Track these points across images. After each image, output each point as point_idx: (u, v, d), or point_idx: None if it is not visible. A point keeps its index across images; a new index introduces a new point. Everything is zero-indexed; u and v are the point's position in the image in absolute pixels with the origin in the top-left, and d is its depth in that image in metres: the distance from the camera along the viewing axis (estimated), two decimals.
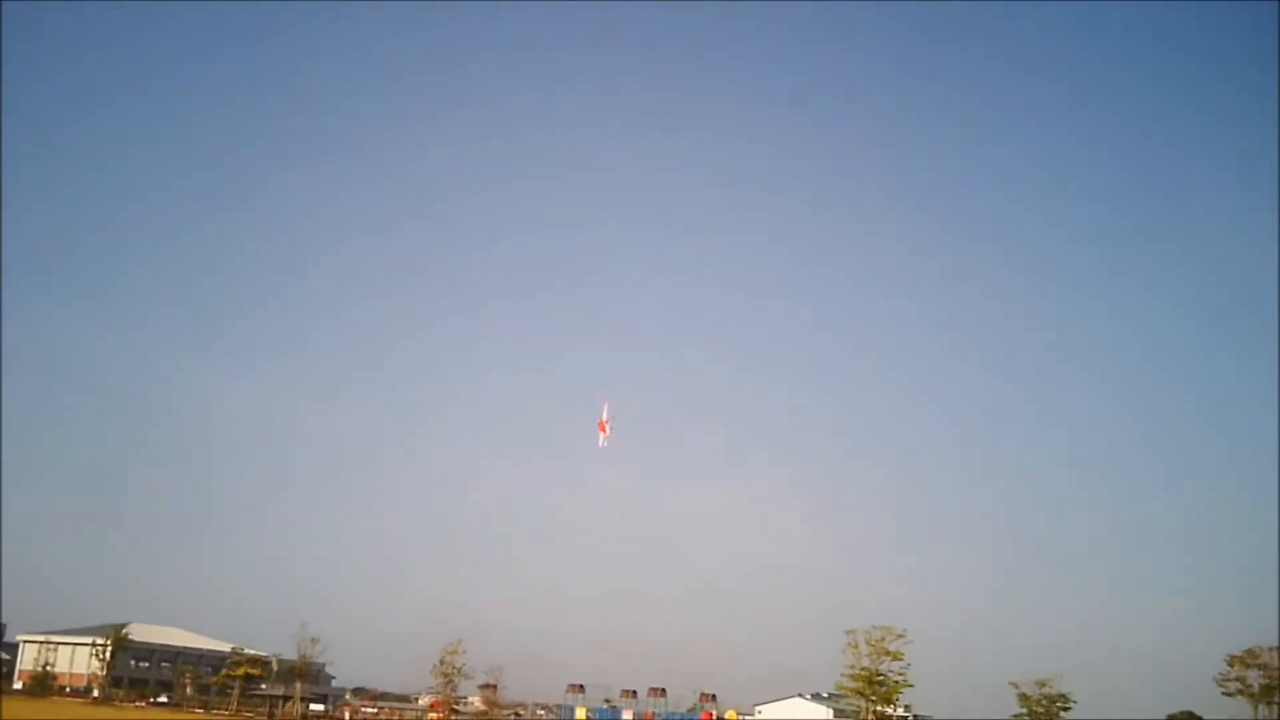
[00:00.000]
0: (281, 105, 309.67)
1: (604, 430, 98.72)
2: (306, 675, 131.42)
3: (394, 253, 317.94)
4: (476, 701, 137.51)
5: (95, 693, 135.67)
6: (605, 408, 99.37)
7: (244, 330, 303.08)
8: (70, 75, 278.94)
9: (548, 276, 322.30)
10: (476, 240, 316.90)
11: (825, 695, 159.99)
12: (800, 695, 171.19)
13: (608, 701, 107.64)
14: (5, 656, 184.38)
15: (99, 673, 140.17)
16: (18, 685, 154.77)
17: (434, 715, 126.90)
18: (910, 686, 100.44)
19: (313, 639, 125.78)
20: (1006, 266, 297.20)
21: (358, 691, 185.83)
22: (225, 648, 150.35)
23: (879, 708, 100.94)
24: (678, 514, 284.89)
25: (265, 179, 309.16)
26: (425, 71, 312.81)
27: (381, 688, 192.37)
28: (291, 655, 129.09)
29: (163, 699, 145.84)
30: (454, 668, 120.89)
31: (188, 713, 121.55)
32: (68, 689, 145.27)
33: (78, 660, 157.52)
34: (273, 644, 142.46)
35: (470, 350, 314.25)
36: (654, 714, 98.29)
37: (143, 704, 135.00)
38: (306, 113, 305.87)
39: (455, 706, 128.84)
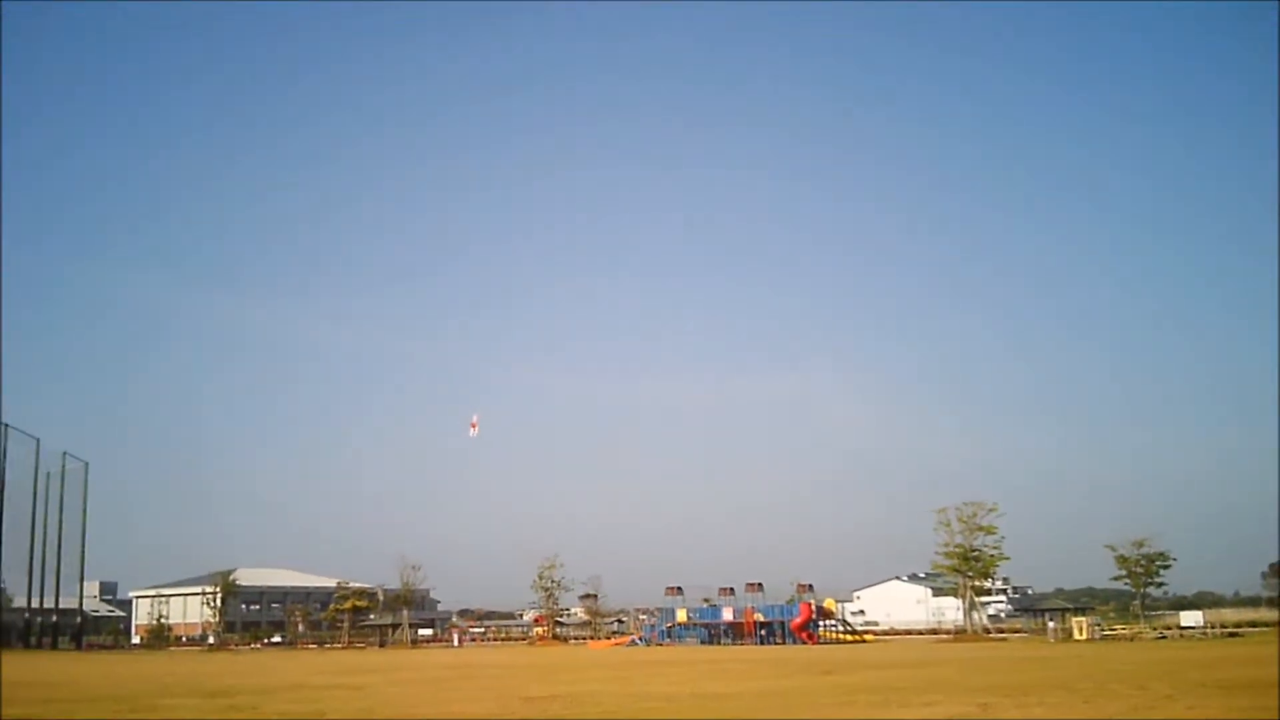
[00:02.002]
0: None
1: (474, 427, 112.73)
2: (412, 602, 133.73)
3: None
4: (579, 612, 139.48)
5: (210, 639, 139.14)
6: (476, 417, 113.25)
7: (335, 276, 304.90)
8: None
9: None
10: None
11: (922, 575, 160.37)
12: (897, 578, 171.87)
13: (706, 600, 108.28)
14: (120, 613, 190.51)
15: (212, 620, 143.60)
16: (135, 640, 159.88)
17: (538, 629, 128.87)
18: (1006, 559, 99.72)
19: (414, 566, 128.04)
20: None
21: (463, 613, 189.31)
22: (331, 583, 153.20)
23: (976, 583, 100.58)
24: (750, 409, 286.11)
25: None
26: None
27: (486, 607, 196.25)
28: (395, 584, 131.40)
29: (276, 639, 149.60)
30: (553, 581, 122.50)
31: (302, 649, 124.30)
32: (183, 639, 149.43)
33: (190, 610, 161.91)
34: (376, 575, 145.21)
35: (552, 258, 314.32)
36: (753, 608, 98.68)
37: (258, 645, 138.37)
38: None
39: (558, 619, 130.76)
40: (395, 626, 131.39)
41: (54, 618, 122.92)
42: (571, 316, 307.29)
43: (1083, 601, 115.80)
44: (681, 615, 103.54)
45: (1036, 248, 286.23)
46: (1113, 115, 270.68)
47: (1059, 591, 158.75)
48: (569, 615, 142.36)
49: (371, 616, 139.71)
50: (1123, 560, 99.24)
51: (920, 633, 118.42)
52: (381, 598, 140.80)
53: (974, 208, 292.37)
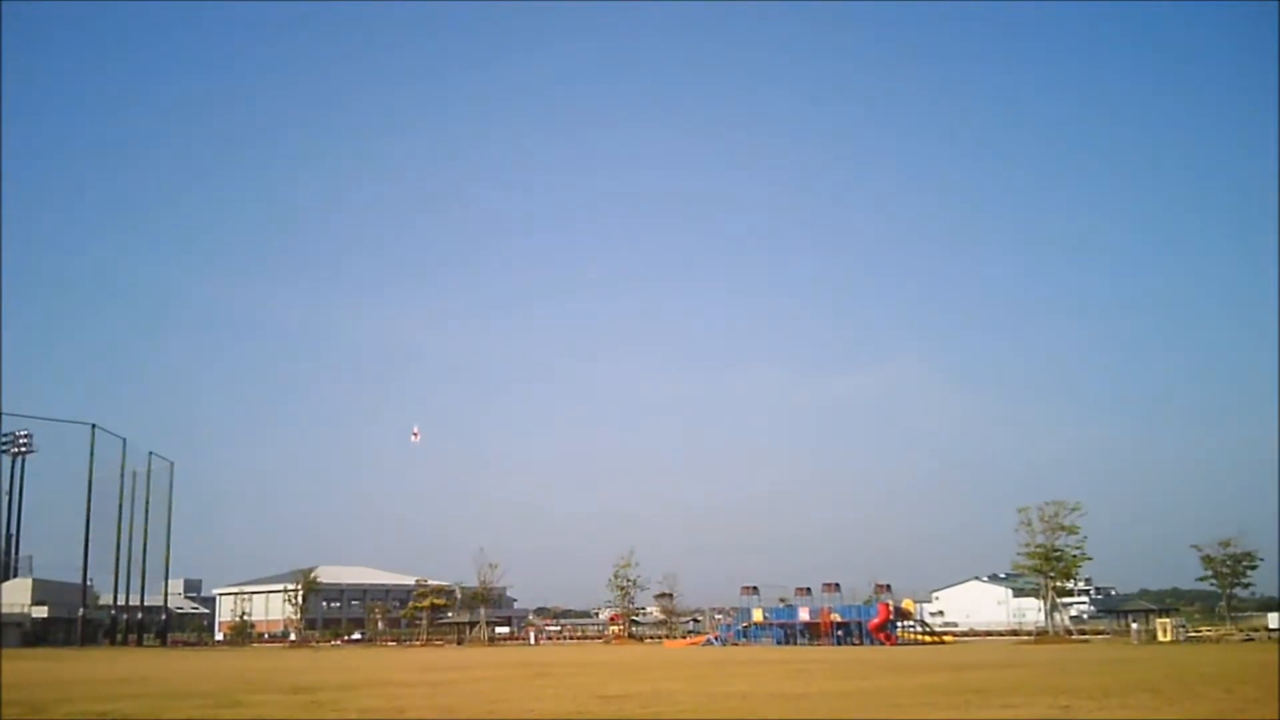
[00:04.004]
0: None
1: (416, 436, 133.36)
2: (489, 600, 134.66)
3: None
4: (654, 611, 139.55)
5: (292, 636, 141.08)
6: (416, 428, 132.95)
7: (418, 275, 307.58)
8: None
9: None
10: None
11: (1002, 576, 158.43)
12: (977, 578, 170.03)
13: (783, 600, 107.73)
14: (204, 610, 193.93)
15: (293, 617, 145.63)
16: (219, 636, 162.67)
17: (614, 628, 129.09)
18: (1089, 559, 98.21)
19: (491, 564, 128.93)
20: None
21: (540, 611, 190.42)
22: (409, 581, 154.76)
23: (1058, 583, 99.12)
24: (829, 408, 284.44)
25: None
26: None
27: (562, 606, 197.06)
28: (473, 582, 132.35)
29: (356, 636, 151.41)
30: (629, 580, 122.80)
31: (381, 646, 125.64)
32: (265, 635, 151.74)
33: (272, 607, 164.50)
34: (454, 573, 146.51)
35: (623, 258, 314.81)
36: (830, 608, 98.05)
37: (338, 642, 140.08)
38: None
39: (634, 617, 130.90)
40: (473, 624, 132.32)
41: (140, 615, 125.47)
42: (652, 313, 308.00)
43: (1167, 602, 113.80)
44: (757, 615, 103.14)
45: (1120, 244, 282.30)
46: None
47: (1143, 592, 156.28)
48: (644, 614, 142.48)
49: (449, 614, 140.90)
50: (1208, 560, 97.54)
51: (1000, 634, 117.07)
52: (459, 596, 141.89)
53: (1062, 203, 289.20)
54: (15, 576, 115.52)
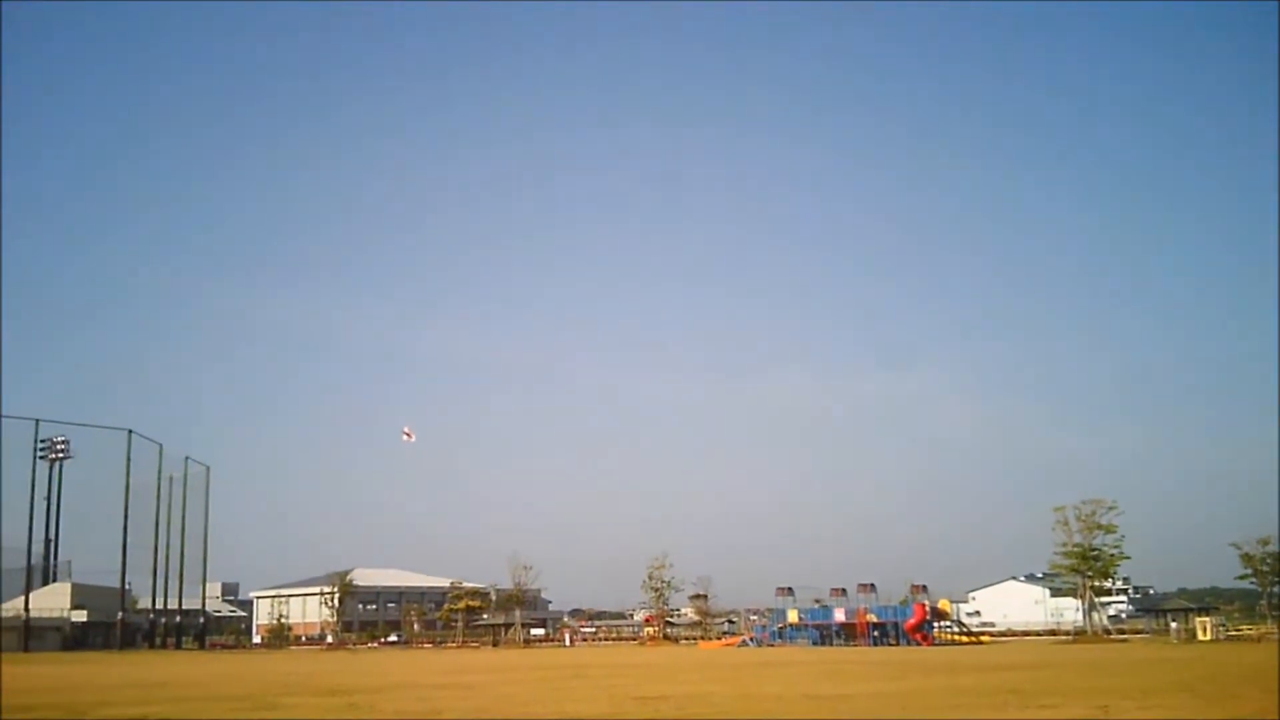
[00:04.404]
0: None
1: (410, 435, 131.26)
2: (524, 602, 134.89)
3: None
4: (689, 612, 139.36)
5: (329, 638, 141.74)
6: (406, 428, 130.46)
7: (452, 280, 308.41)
8: None
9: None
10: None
11: (1039, 575, 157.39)
12: (1014, 578, 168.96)
13: (818, 601, 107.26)
14: (242, 614, 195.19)
15: (330, 619, 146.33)
16: (257, 639, 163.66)
17: (649, 629, 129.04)
18: (1126, 558, 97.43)
19: (525, 566, 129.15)
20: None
21: (574, 613, 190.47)
22: (444, 583, 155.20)
23: (1096, 583, 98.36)
24: (863, 408, 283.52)
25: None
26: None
27: (597, 607, 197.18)
28: (508, 584, 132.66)
29: (393, 638, 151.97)
30: (663, 581, 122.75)
31: (417, 648, 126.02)
32: (302, 638, 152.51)
33: (309, 610, 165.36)
34: (489, 575, 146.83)
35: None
36: (866, 609, 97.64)
37: (374, 644, 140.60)
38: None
39: (669, 619, 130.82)
40: (508, 626, 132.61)
41: (178, 618, 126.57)
42: (692, 319, 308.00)
43: (1206, 601, 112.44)
44: (793, 616, 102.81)
45: (1156, 241, 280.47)
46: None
47: (1182, 591, 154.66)
48: (679, 615, 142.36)
49: (485, 616, 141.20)
50: (1248, 559, 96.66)
51: (1038, 634, 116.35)
52: (494, 598, 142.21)
53: (1094, 204, 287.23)
54: (55, 581, 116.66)
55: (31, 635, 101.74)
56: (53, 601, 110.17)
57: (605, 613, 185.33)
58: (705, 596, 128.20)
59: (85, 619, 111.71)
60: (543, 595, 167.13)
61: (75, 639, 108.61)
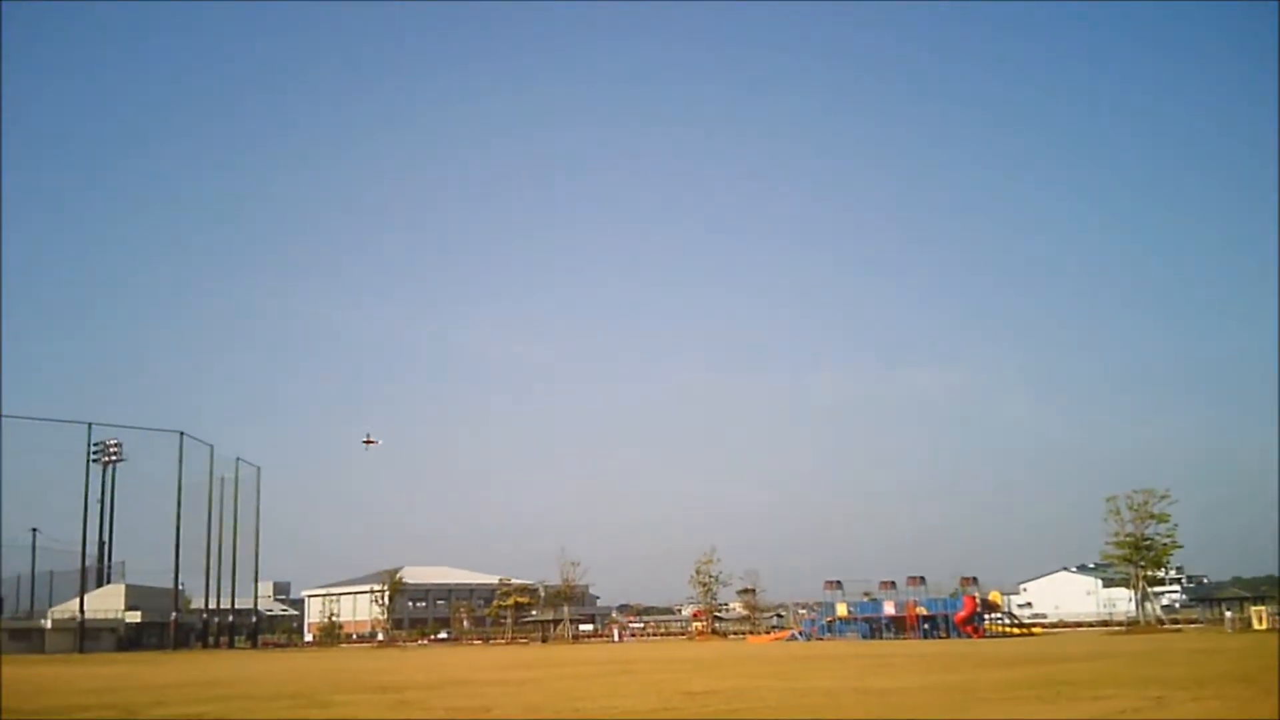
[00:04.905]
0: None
1: (375, 441, 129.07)
2: (572, 598, 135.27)
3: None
4: (737, 607, 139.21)
5: (379, 636, 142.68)
6: (369, 433, 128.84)
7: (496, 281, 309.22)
8: None
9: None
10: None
11: (1091, 566, 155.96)
12: (1065, 569, 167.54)
13: (867, 594, 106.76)
14: (293, 612, 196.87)
15: (380, 617, 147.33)
16: (308, 638, 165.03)
17: (697, 624, 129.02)
18: (1179, 548, 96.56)
19: (573, 563, 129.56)
20: None
21: (623, 609, 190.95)
22: (493, 580, 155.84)
23: (1148, 573, 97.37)
24: (914, 401, 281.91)
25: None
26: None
27: (645, 603, 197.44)
28: (556, 581, 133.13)
29: (442, 635, 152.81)
30: (711, 576, 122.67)
31: (467, 645, 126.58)
32: (353, 636, 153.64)
33: (359, 608, 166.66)
34: (537, 572, 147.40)
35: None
36: (916, 602, 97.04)
37: (425, 641, 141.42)
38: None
39: (717, 613, 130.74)
40: (556, 622, 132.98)
41: (231, 618, 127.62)
42: (737, 314, 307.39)
43: (1262, 590, 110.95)
44: (841, 609, 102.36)
45: (1202, 229, 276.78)
46: None
47: (1236, 580, 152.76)
48: (727, 610, 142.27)
49: (533, 612, 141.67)
50: None
51: (1090, 625, 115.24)
52: (543, 594, 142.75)
53: (1141, 197, 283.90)
54: (109, 583, 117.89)
55: (87, 636, 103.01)
56: (107, 603, 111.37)
57: (653, 608, 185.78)
58: (753, 591, 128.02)
59: (139, 620, 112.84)
60: (590, 591, 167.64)
61: (130, 640, 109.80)
